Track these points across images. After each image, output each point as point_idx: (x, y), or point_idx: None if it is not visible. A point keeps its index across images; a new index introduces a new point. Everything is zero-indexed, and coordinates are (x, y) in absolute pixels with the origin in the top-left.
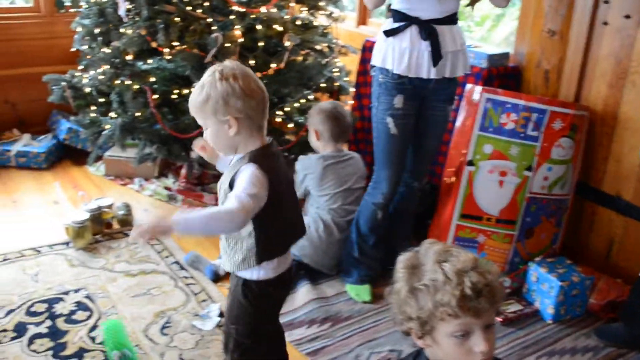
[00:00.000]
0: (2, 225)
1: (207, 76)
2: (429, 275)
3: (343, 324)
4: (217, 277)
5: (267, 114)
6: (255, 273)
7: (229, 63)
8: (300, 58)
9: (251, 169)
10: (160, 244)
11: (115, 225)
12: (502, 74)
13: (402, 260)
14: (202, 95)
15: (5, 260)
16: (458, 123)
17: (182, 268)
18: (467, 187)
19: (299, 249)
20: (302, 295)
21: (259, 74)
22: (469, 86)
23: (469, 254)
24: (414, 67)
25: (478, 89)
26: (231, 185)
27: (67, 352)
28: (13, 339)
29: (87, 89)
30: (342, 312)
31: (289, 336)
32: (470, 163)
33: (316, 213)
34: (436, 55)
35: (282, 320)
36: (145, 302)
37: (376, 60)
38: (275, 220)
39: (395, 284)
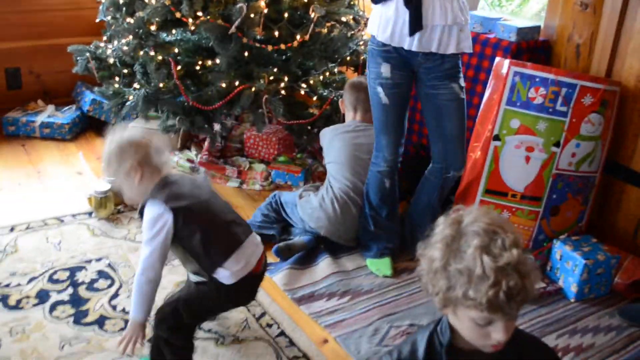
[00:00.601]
0: (26, 194)
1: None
2: (467, 262)
3: (363, 297)
4: None
5: (161, 152)
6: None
7: (120, 128)
8: (325, 30)
9: (145, 211)
10: None
11: None
12: (531, 47)
13: (443, 225)
14: (105, 159)
15: (29, 228)
16: (485, 97)
17: None
18: (492, 163)
19: (315, 221)
20: (322, 268)
21: (283, 46)
22: (497, 59)
23: (515, 248)
24: (397, 36)
25: (506, 62)
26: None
27: (88, 319)
28: (35, 305)
29: (111, 60)
30: (362, 285)
31: (308, 309)
32: (497, 138)
33: (329, 184)
34: (414, 25)
35: (302, 293)
36: (166, 271)
37: (368, 27)
38: (199, 235)
39: (431, 247)
